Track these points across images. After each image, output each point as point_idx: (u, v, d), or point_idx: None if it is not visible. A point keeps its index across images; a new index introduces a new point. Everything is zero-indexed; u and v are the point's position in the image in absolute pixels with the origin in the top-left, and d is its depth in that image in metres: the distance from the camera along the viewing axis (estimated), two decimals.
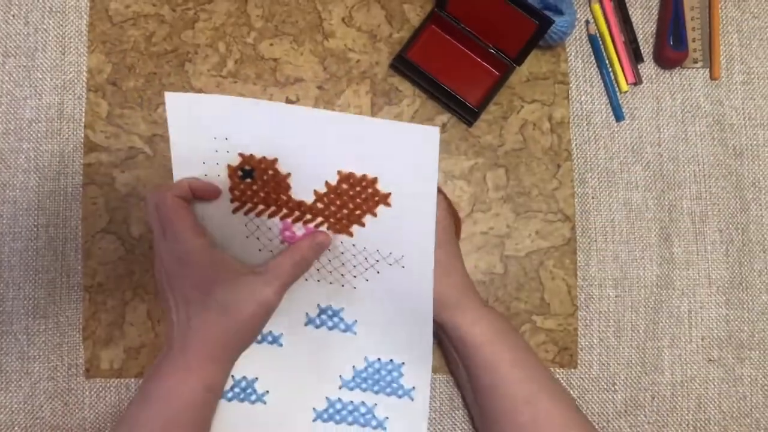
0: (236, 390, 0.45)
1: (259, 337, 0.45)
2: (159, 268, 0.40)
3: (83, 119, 0.49)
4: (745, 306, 0.51)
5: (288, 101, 0.50)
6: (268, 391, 0.46)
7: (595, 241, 0.51)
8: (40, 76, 0.50)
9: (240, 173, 0.42)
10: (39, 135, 0.49)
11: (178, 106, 0.40)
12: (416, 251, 0.43)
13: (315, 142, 0.41)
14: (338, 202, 0.42)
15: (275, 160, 0.41)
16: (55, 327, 0.47)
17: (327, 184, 0.42)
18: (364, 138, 0.40)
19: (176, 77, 0.50)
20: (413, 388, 0.45)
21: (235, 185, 0.43)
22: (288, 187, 0.42)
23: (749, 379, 0.50)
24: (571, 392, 0.49)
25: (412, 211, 0.42)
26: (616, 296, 0.50)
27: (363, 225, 0.43)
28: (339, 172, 0.41)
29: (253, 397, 0.45)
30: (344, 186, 0.42)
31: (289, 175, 0.42)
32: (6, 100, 0.49)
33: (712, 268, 0.51)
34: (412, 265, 0.43)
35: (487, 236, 0.50)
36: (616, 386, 0.49)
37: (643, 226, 0.51)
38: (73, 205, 0.48)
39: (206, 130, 0.41)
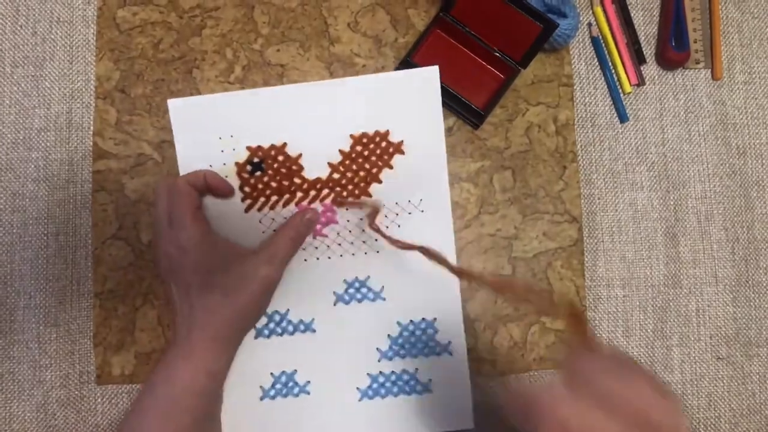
0: (278, 386, 0.46)
1: (291, 328, 0.46)
2: (161, 258, 0.40)
3: (92, 127, 0.50)
4: (752, 303, 0.51)
5: None
6: (309, 381, 0.46)
7: (602, 241, 0.51)
8: (49, 86, 0.50)
9: (249, 168, 0.43)
10: (48, 144, 0.49)
11: (181, 110, 0.43)
12: (433, 190, 0.45)
13: (321, 113, 0.43)
14: (354, 167, 0.45)
15: (284, 145, 0.43)
16: (66, 335, 0.47)
17: (341, 152, 0.44)
18: (369, 96, 0.44)
19: (184, 84, 0.50)
20: (449, 342, 0.46)
21: (245, 182, 0.44)
22: (300, 168, 0.44)
23: (758, 376, 0.50)
24: None
25: (425, 151, 0.45)
26: (624, 296, 0.50)
27: (380, 182, 0.45)
28: (351, 136, 0.44)
29: (296, 390, 0.46)
30: (358, 148, 0.44)
31: (300, 155, 0.44)
32: (15, 110, 0.49)
33: (719, 267, 0.51)
34: (431, 206, 0.45)
35: (495, 238, 0.50)
36: None
37: (649, 226, 0.51)
38: (83, 212, 0.49)
39: (211, 130, 0.43)
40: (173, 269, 0.40)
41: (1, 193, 0.48)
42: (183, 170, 0.44)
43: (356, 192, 0.45)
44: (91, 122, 0.50)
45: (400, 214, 0.45)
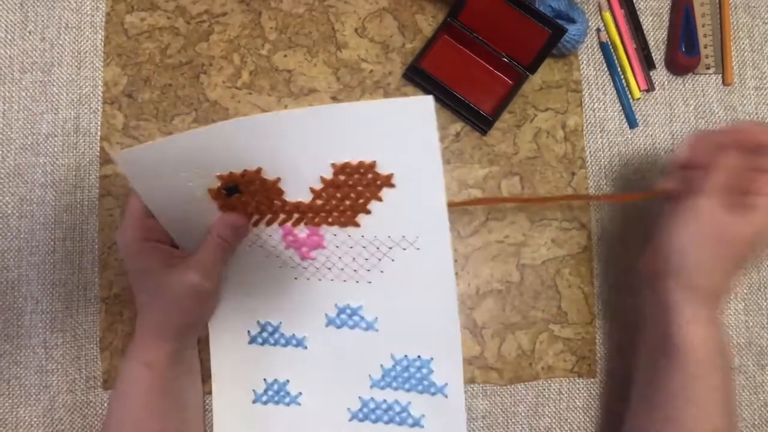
0: (270, 393, 0.45)
1: (283, 341, 0.46)
2: None
3: (99, 132, 0.50)
4: (764, 312, 0.50)
5: None
6: (301, 393, 0.45)
7: (612, 248, 0.50)
8: (57, 91, 0.50)
9: (224, 192, 0.41)
10: (55, 149, 0.49)
11: (131, 161, 0.38)
12: (430, 229, 0.40)
13: (296, 143, 0.39)
14: (339, 195, 0.41)
15: (259, 170, 0.40)
16: (72, 340, 0.47)
17: (322, 179, 0.40)
18: (351, 124, 0.38)
19: (191, 89, 0.50)
20: (446, 384, 0.43)
21: (224, 203, 0.41)
22: (280, 192, 0.41)
23: None
24: (591, 403, 0.49)
25: (420, 187, 0.39)
26: (633, 304, 0.50)
27: (369, 213, 0.41)
28: (333, 165, 0.40)
29: (288, 399, 0.45)
30: (341, 177, 0.40)
31: (278, 179, 0.40)
32: (23, 116, 0.50)
33: None
34: (428, 245, 0.41)
35: (503, 245, 0.50)
36: None
37: None
38: (90, 218, 0.49)
39: (171, 172, 0.39)
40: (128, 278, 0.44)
41: (9, 199, 0.49)
42: (156, 212, 0.41)
43: (342, 220, 0.42)
44: (99, 127, 0.50)
45: (394, 248, 0.42)
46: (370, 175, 0.40)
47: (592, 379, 0.49)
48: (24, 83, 0.50)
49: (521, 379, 0.48)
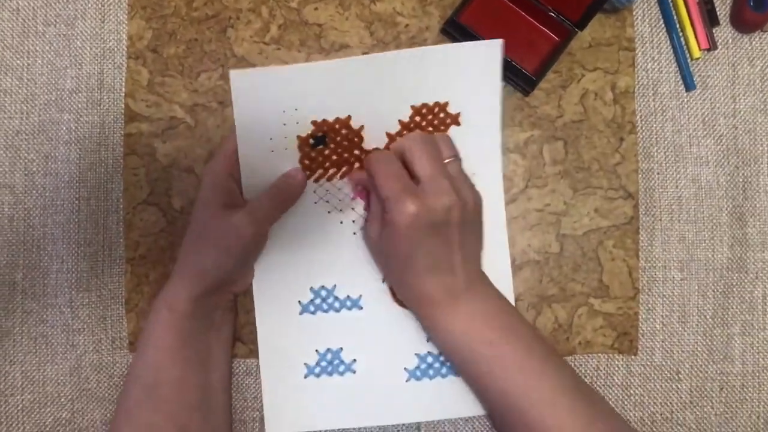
0: (323, 364, 0.45)
1: (337, 305, 0.45)
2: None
3: (123, 89, 0.48)
4: None
5: None
6: (355, 360, 0.45)
7: (660, 220, 0.47)
8: (80, 45, 0.48)
9: (312, 141, 0.42)
10: (80, 106, 0.48)
11: (243, 84, 0.41)
12: (485, 165, 0.44)
13: (384, 84, 0.42)
14: None
15: (348, 118, 0.42)
16: (98, 300, 0.47)
17: (400, 122, 0.43)
18: (432, 67, 0.42)
19: (218, 43, 0.48)
20: None
21: (305, 155, 0.43)
22: (361, 140, 0.43)
23: None
24: (632, 380, 0.46)
25: (480, 125, 0.44)
26: (681, 279, 0.47)
27: None
28: (412, 107, 0.43)
29: (342, 368, 0.45)
30: (417, 118, 0.43)
31: (362, 127, 0.43)
32: (47, 71, 0.48)
33: None
34: (482, 181, 0.43)
35: (543, 213, 0.47)
36: (680, 375, 0.46)
37: (713, 205, 0.47)
38: (115, 177, 0.47)
39: (274, 104, 0.42)
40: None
41: (34, 156, 0.48)
42: (242, 142, 0.43)
43: None
44: (123, 83, 0.48)
45: None
46: (442, 115, 0.44)
47: (632, 357, 0.46)
48: (48, 36, 0.48)
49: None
